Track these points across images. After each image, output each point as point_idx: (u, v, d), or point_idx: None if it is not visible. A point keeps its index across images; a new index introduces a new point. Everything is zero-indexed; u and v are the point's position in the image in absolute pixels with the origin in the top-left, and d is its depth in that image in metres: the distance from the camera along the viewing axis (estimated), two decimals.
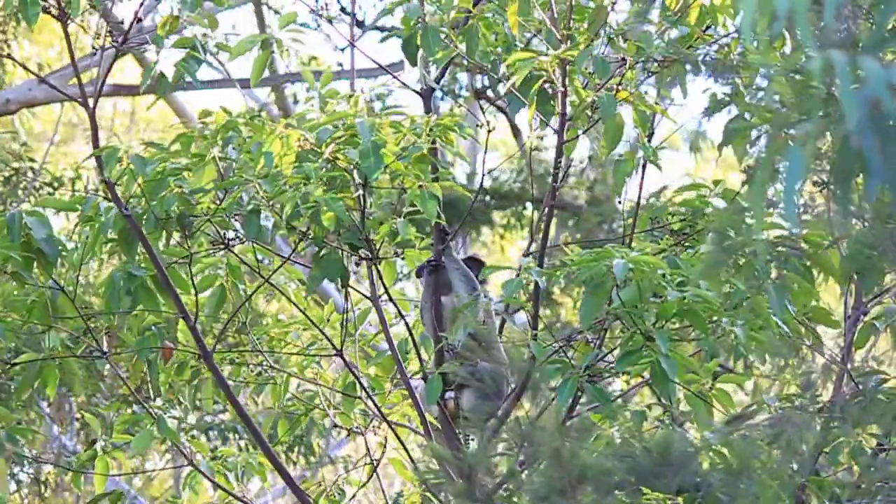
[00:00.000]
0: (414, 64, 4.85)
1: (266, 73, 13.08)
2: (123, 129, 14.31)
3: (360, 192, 4.55)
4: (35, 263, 4.56)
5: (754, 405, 4.23)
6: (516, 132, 13.61)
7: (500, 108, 11.24)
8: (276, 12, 14.01)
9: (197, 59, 4.86)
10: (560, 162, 4.85)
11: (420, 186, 4.45)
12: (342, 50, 13.66)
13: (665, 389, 4.25)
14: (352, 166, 4.50)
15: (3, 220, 4.56)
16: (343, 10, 13.14)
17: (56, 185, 10.36)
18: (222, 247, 4.84)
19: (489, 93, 12.44)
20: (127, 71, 13.16)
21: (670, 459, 3.40)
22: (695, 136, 9.00)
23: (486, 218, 12.46)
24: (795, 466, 3.70)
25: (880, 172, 2.05)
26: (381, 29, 12.79)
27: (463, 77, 13.81)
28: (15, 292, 4.74)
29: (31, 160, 10.59)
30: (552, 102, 4.73)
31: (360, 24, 13.16)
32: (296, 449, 10.12)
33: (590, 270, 4.15)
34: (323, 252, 4.68)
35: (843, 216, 2.23)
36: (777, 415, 4.03)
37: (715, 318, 4.26)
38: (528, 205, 12.91)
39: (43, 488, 9.98)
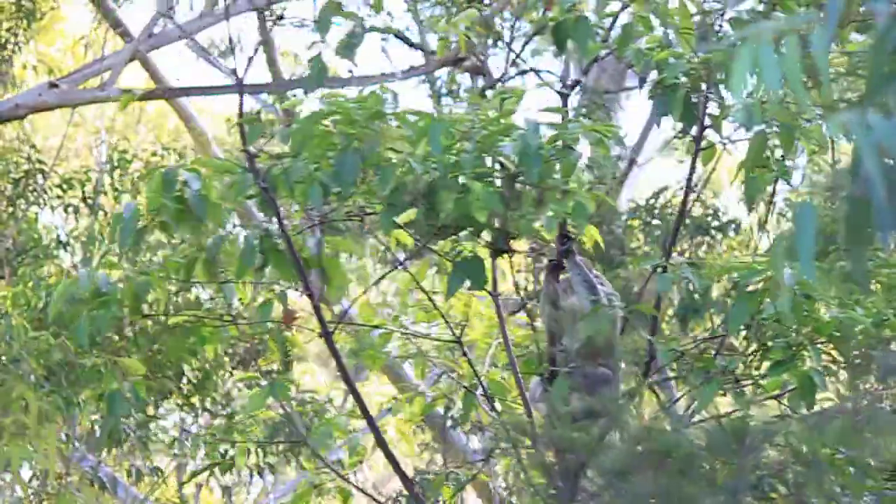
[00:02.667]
0: (561, 53, 4.75)
1: (269, 76, 13.21)
2: (127, 131, 14.38)
3: (509, 189, 4.38)
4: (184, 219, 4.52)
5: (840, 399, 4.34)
6: None
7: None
8: (280, 17, 14.08)
9: (358, 35, 4.76)
10: (694, 170, 4.78)
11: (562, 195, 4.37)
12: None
13: (810, 401, 4.32)
14: (501, 163, 4.38)
15: (160, 173, 4.54)
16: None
17: (66, 187, 10.42)
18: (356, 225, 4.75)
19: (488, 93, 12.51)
20: (132, 74, 13.25)
21: (745, 441, 3.50)
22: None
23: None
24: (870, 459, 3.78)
25: (891, 223, 2.08)
26: (381, 30, 12.86)
27: (463, 78, 13.89)
28: (164, 251, 4.69)
29: (41, 162, 10.67)
30: (694, 109, 4.59)
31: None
32: (297, 451, 10.16)
33: (749, 276, 4.18)
34: (458, 251, 4.57)
35: (860, 274, 2.28)
36: (853, 406, 4.12)
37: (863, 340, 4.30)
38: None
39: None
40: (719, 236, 11.84)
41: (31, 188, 10.39)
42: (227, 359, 9.89)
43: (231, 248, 4.77)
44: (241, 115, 4.74)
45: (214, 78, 14.81)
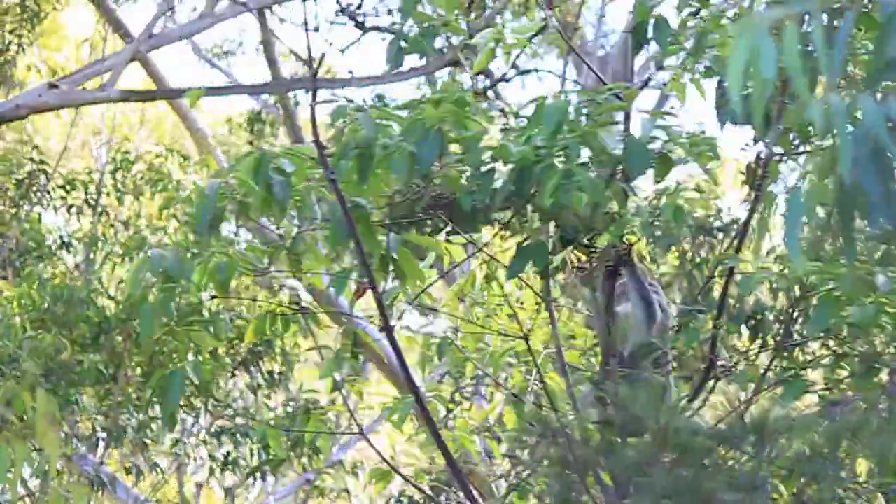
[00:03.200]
0: (637, 53, 4.67)
1: (269, 77, 13.21)
2: (129, 132, 14.38)
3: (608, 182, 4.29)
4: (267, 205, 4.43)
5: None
6: None
7: None
8: (283, 20, 14.10)
9: (433, 34, 4.68)
10: (763, 180, 4.74)
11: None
12: (342, 52, 13.73)
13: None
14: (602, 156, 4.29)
15: (255, 156, 4.46)
16: (343, 10, 13.24)
17: (69, 188, 10.43)
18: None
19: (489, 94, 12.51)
20: (134, 77, 13.24)
21: (764, 434, 3.50)
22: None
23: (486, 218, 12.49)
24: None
25: (881, 208, 2.09)
26: (382, 30, 12.87)
27: (464, 78, 13.88)
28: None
29: (44, 163, 10.67)
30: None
31: (361, 26, 13.25)
32: (297, 450, 10.16)
33: (827, 281, 4.16)
34: (527, 238, 4.46)
35: (849, 252, 2.27)
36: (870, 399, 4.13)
37: None
38: None
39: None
40: (720, 236, 11.83)
41: (34, 189, 10.40)
42: (227, 360, 9.89)
43: (311, 240, 4.74)
44: (314, 102, 4.66)
45: (214, 78, 14.80)
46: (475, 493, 4.63)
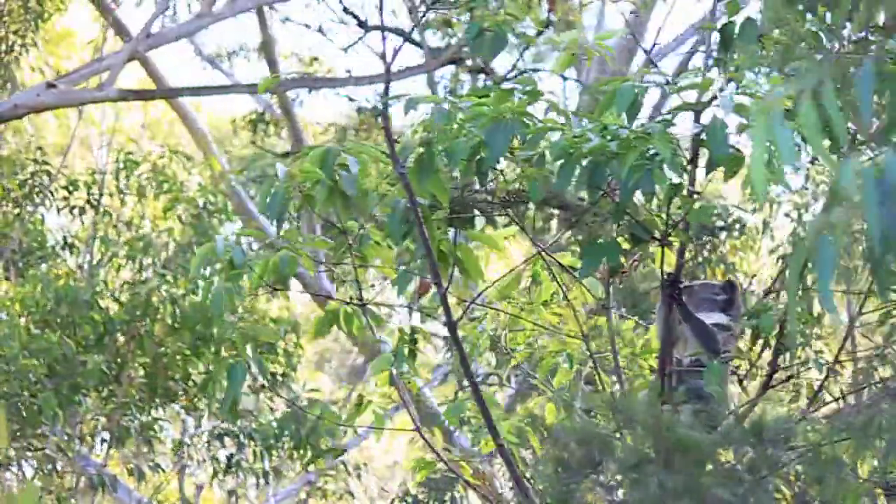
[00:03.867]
0: (727, 53, 4.53)
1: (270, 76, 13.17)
2: (130, 133, 14.34)
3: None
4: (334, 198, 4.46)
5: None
6: None
7: None
8: (286, 21, 14.07)
9: (502, 38, 4.61)
10: None
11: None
12: (345, 51, 13.70)
13: None
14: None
15: (323, 149, 4.47)
16: (346, 10, 13.21)
17: (72, 188, 10.40)
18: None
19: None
20: (132, 75, 13.21)
21: (762, 436, 3.48)
22: None
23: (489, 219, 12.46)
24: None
25: None
26: (383, 29, 12.86)
27: (466, 78, 13.86)
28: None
29: (46, 163, 10.64)
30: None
31: (363, 25, 13.22)
32: (300, 450, 10.14)
33: None
34: (594, 235, 4.39)
35: (883, 295, 2.26)
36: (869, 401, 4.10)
37: None
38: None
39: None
40: (723, 236, 11.81)
41: (36, 190, 10.37)
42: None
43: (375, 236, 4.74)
44: (385, 98, 4.62)
45: (214, 78, 14.76)
46: (522, 484, 4.53)
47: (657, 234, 4.36)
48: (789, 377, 4.63)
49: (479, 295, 4.77)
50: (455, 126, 4.29)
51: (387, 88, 4.64)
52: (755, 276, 10.92)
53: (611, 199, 4.27)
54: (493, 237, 4.82)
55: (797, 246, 2.25)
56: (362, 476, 12.02)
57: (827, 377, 4.66)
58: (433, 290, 4.62)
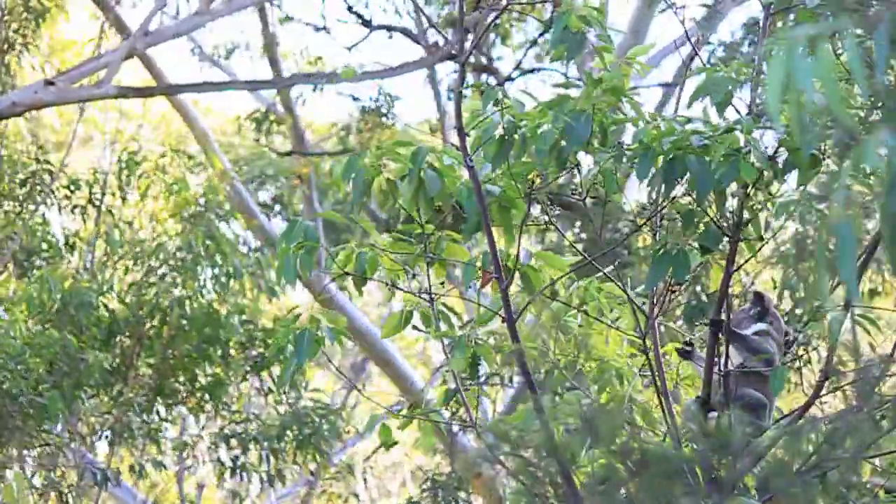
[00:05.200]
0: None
1: (271, 75, 13.12)
2: (132, 132, 14.32)
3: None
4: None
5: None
6: None
7: None
8: (289, 20, 14.01)
9: (582, 38, 4.51)
10: None
11: None
12: (349, 49, 13.63)
13: None
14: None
15: (417, 148, 4.53)
16: (350, 9, 13.15)
17: (73, 187, 10.37)
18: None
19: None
20: (133, 74, 13.16)
21: (728, 448, 3.43)
22: None
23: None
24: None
25: None
26: (389, 28, 12.80)
27: (468, 78, 13.78)
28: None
29: (47, 162, 10.62)
30: None
31: (367, 24, 13.18)
32: (304, 451, 10.12)
33: None
34: (666, 247, 4.29)
35: None
36: (836, 412, 4.03)
37: None
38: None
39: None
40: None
41: (38, 189, 10.36)
42: (241, 362, 9.85)
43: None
44: (459, 92, 4.60)
45: (215, 76, 14.70)
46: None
47: (726, 235, 4.23)
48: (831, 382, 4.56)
49: (539, 292, 4.70)
50: (537, 114, 4.27)
51: (462, 79, 4.65)
52: (755, 275, 10.86)
53: (683, 202, 4.20)
54: (560, 259, 4.74)
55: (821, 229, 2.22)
56: (365, 477, 12.01)
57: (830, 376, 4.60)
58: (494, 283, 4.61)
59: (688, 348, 4.66)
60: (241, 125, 14.37)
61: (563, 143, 4.23)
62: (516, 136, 4.32)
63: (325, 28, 13.87)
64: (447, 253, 4.75)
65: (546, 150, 4.22)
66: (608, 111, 4.28)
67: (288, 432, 9.83)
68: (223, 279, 9.61)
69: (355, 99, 13.64)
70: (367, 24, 13.14)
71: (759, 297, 4.66)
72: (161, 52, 11.59)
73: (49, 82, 10.03)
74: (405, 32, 12.97)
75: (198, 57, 14.40)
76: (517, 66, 13.00)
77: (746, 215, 4.26)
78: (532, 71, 13.14)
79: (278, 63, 13.45)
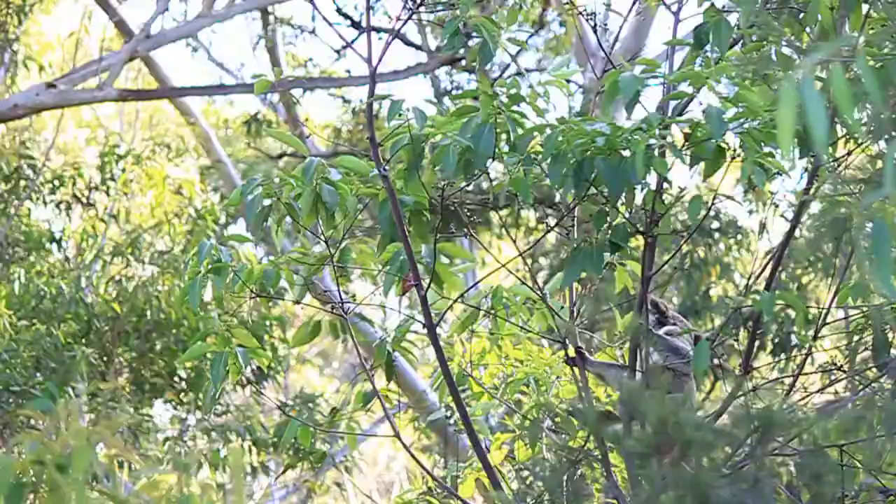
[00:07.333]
0: (700, 49, 4.53)
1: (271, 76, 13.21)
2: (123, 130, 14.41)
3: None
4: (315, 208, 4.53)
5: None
6: None
7: None
8: (287, 22, 14.11)
9: (489, 48, 4.54)
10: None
11: None
12: (338, 52, 13.74)
13: None
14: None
15: (307, 162, 4.51)
16: (339, 11, 13.25)
17: (57, 183, 10.43)
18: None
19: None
20: (133, 74, 13.27)
21: (769, 430, 3.50)
22: None
23: (485, 219, 12.50)
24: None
25: None
26: (380, 30, 12.88)
27: (460, 78, 13.88)
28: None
29: (31, 158, 10.67)
30: None
31: (357, 25, 13.26)
32: (297, 455, 10.17)
33: None
34: (578, 243, 4.34)
35: None
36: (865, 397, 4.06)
37: None
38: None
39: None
40: (717, 235, 11.84)
41: (23, 185, 10.41)
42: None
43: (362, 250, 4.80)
44: (370, 104, 4.59)
45: (217, 78, 14.81)
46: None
47: (639, 231, 4.31)
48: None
49: (459, 296, 4.73)
50: (440, 129, 4.30)
51: (372, 90, 4.64)
52: (752, 276, 10.94)
53: (595, 201, 4.24)
54: (464, 250, 4.79)
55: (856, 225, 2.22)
56: (356, 474, 12.07)
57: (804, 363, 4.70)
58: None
59: (574, 356, 4.67)
60: (231, 128, 14.44)
61: (469, 158, 4.27)
62: (424, 147, 4.35)
63: (313, 31, 14.00)
64: (359, 260, 4.80)
65: (452, 163, 4.25)
66: (511, 120, 4.28)
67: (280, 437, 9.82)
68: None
69: (346, 101, 13.75)
70: (356, 25, 13.23)
71: (654, 305, 4.74)
72: (163, 54, 11.71)
73: (50, 85, 10.16)
74: (396, 35, 13.06)
75: (195, 57, 14.50)
76: (504, 70, 13.07)
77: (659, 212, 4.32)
78: (521, 74, 13.22)
79: (280, 65, 13.57)
